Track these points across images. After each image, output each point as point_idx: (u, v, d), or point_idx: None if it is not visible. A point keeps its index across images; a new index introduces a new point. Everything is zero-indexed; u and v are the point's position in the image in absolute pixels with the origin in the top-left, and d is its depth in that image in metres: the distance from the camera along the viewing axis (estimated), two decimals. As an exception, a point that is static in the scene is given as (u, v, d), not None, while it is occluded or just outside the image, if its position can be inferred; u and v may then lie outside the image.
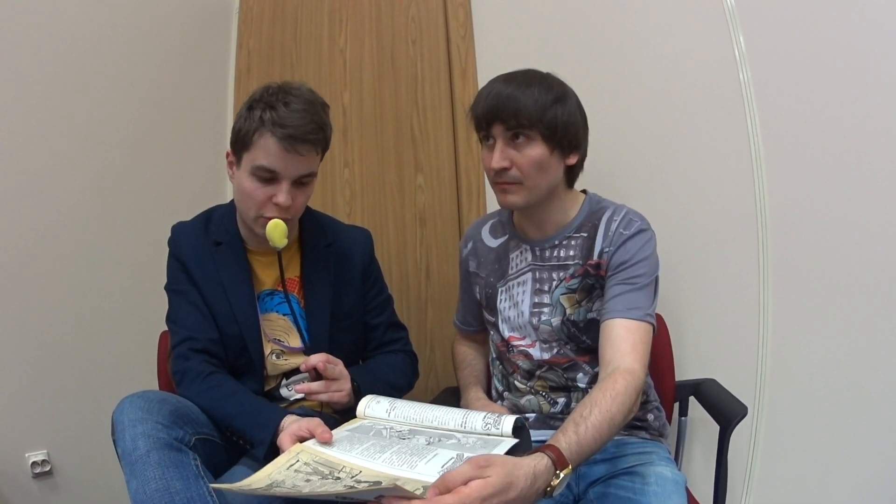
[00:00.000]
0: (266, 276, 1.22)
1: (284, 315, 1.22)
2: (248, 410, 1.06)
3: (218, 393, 1.09)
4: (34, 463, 1.50)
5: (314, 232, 1.26)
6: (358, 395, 1.10)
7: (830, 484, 1.37)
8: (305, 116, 1.07)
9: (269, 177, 1.09)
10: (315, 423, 0.95)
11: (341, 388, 1.11)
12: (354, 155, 1.83)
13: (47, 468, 1.52)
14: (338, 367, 1.12)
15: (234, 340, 1.16)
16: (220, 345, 1.16)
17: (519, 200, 1.10)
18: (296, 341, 1.21)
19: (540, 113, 1.06)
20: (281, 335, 1.22)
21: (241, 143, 1.11)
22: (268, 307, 1.21)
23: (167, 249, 1.26)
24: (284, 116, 1.05)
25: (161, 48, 1.84)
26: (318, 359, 1.09)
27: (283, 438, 0.96)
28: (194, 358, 1.13)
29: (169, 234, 1.26)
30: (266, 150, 1.07)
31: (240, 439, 1.07)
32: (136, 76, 1.76)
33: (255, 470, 0.89)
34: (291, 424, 0.99)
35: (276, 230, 1.09)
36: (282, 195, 1.09)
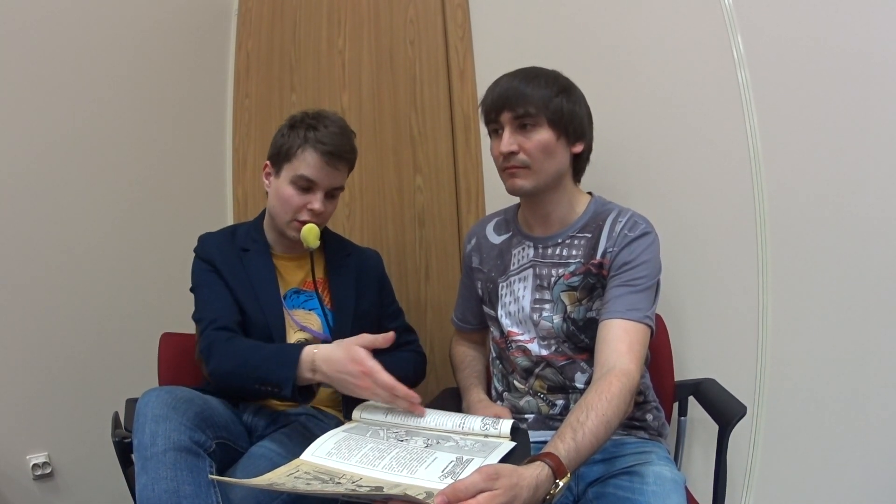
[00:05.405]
0: (292, 277, 1.34)
1: (311, 310, 1.33)
2: (269, 356, 1.12)
3: (241, 350, 1.15)
4: (35, 465, 1.50)
5: (335, 245, 1.42)
6: None
7: (830, 483, 1.37)
8: (342, 138, 1.26)
9: (307, 186, 1.25)
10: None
11: None
12: (353, 156, 1.83)
13: (48, 470, 1.52)
14: None
15: (260, 330, 1.26)
16: (242, 326, 1.24)
17: (526, 184, 1.13)
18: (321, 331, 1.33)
19: (546, 100, 1.11)
20: (309, 325, 1.32)
21: (283, 156, 1.27)
22: (295, 303, 1.33)
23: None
24: (325, 136, 1.24)
25: (161, 49, 1.85)
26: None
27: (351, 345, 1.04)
28: (218, 332, 1.19)
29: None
30: (308, 163, 1.24)
31: (271, 387, 1.10)
32: (136, 77, 1.77)
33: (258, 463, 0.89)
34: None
35: (311, 233, 1.24)
36: (317, 203, 1.25)
